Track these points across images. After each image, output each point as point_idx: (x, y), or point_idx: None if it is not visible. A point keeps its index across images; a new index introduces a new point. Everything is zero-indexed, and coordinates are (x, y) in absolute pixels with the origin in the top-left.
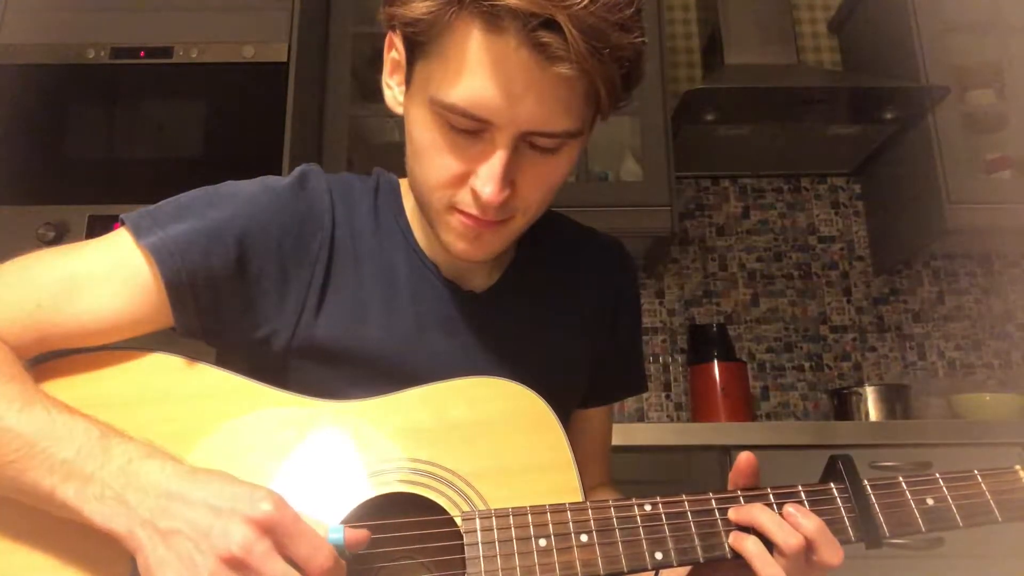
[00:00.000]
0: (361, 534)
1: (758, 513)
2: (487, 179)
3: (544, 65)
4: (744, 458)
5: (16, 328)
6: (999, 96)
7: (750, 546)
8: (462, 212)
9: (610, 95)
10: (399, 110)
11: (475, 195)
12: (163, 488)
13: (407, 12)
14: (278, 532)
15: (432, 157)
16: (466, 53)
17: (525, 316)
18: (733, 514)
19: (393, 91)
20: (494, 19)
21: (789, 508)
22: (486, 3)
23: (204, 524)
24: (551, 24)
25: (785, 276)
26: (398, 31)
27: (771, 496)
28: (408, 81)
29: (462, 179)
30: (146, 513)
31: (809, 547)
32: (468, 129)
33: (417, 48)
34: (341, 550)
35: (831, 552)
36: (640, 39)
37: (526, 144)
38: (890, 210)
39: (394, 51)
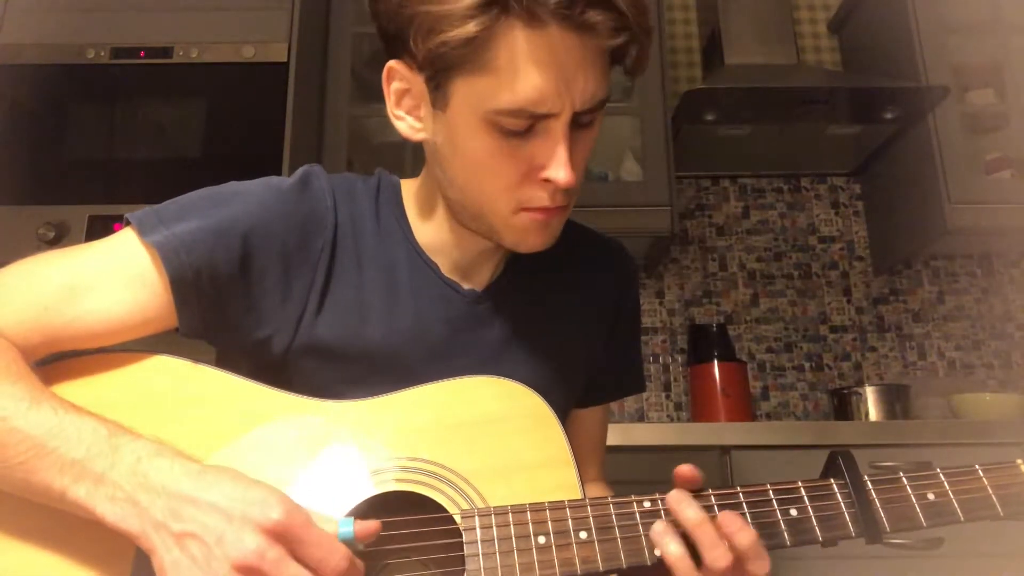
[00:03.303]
0: (372, 525)
1: (698, 524)
2: (560, 165)
3: (586, 42)
4: (685, 469)
5: (24, 330)
6: (999, 96)
7: (676, 557)
8: (530, 209)
9: (647, 52)
10: (420, 137)
11: (545, 186)
12: (173, 489)
13: (460, 34)
14: (289, 537)
15: (492, 166)
16: (517, 57)
17: (525, 315)
18: (674, 506)
19: (406, 121)
20: (536, 16)
21: (724, 518)
22: (540, 5)
23: (217, 529)
24: (597, 2)
25: (785, 276)
26: (427, 58)
27: (771, 493)
28: (439, 104)
29: (526, 177)
30: (158, 515)
31: (739, 560)
32: (526, 128)
33: (453, 69)
34: (352, 543)
35: (759, 566)
36: None
37: (573, 123)
38: (890, 210)
39: (397, 81)
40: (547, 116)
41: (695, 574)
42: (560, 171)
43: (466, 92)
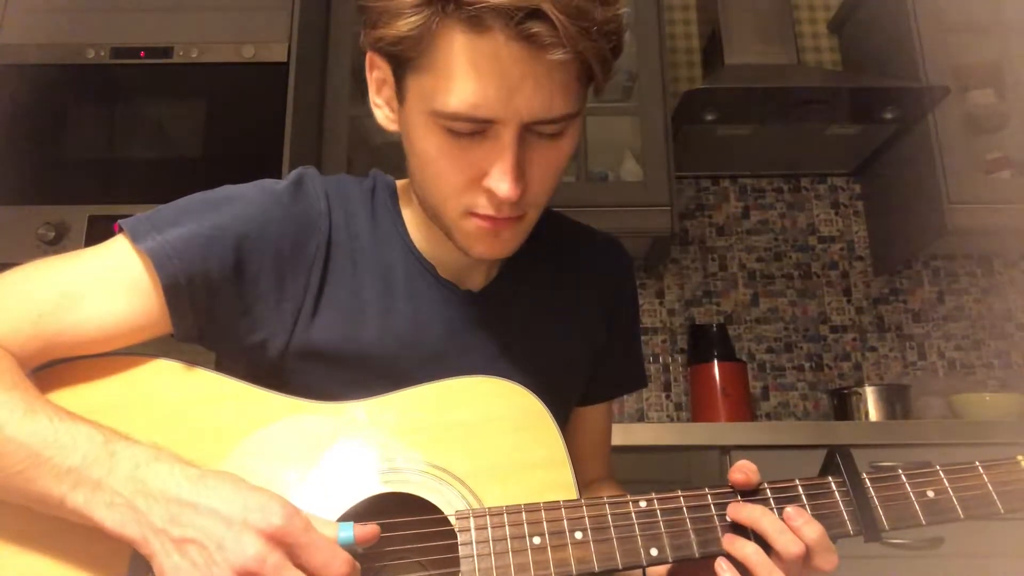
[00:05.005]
0: (371, 529)
1: (760, 516)
2: (501, 177)
3: (536, 54)
4: (738, 476)
5: (20, 338)
6: (999, 96)
7: (751, 553)
8: (478, 215)
9: (604, 70)
10: (393, 127)
11: (491, 195)
12: (172, 494)
13: (391, 32)
14: (290, 542)
15: (440, 167)
16: (455, 60)
17: (522, 314)
18: (732, 511)
19: (383, 110)
20: (477, 21)
21: (790, 511)
22: (468, 7)
23: (217, 534)
24: (537, 14)
25: (785, 276)
26: (381, 50)
27: (769, 492)
28: (400, 98)
29: (474, 183)
30: (158, 520)
31: (807, 553)
32: (471, 132)
33: (405, 64)
34: (352, 547)
35: (827, 559)
36: (622, 9)
37: (532, 134)
38: (890, 210)
39: (376, 70)
40: (491, 122)
41: (773, 568)
42: (501, 183)
43: (415, 89)
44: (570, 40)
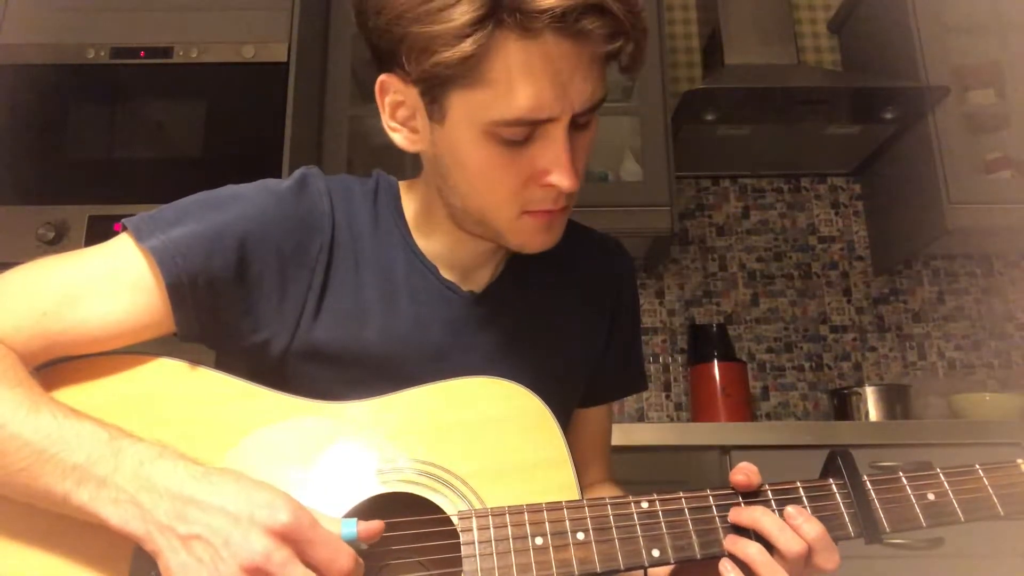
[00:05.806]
0: (375, 525)
1: (760, 516)
2: (563, 172)
3: (581, 47)
4: (740, 479)
5: (22, 336)
6: (999, 96)
7: (754, 553)
8: (531, 212)
9: (645, 48)
10: (416, 148)
11: (547, 190)
12: (177, 491)
13: (453, 55)
14: (296, 539)
15: (495, 175)
16: (512, 68)
17: (524, 316)
18: (733, 515)
19: (403, 132)
20: (530, 26)
21: (791, 510)
22: (533, 15)
23: (224, 531)
24: (592, 9)
25: (785, 276)
26: (424, 73)
27: (770, 494)
28: (435, 117)
29: (528, 182)
30: (163, 517)
31: (808, 552)
32: (524, 136)
33: (446, 83)
34: (356, 543)
35: (828, 558)
36: None
37: (571, 124)
38: (890, 210)
39: (392, 94)
40: (546, 121)
41: (776, 567)
42: (564, 177)
43: (463, 105)
44: (631, 27)
